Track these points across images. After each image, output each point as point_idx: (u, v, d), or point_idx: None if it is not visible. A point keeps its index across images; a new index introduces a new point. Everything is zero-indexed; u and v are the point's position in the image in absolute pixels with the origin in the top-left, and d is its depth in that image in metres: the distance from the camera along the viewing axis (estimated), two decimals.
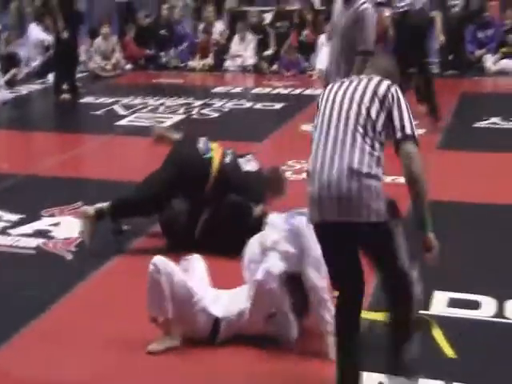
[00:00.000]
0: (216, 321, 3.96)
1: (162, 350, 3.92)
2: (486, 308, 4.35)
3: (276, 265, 3.92)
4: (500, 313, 4.29)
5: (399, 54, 8.43)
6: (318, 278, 3.86)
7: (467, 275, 4.75)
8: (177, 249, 5.06)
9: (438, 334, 4.00)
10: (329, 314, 3.78)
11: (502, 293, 4.48)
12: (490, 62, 11.96)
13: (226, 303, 4.05)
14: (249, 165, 5.40)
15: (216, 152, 5.35)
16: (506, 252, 5.12)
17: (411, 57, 8.55)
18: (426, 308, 4.32)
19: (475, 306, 4.37)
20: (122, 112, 9.81)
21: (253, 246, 4.15)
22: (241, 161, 5.40)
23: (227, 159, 5.33)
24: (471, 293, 4.50)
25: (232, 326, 3.98)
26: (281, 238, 4.01)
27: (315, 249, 3.75)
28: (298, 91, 10.96)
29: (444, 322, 4.13)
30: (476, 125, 8.55)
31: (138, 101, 10.42)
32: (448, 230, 5.46)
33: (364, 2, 5.62)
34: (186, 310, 3.93)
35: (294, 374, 3.74)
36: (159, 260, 4.00)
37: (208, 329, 3.96)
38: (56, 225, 5.79)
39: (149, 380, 3.72)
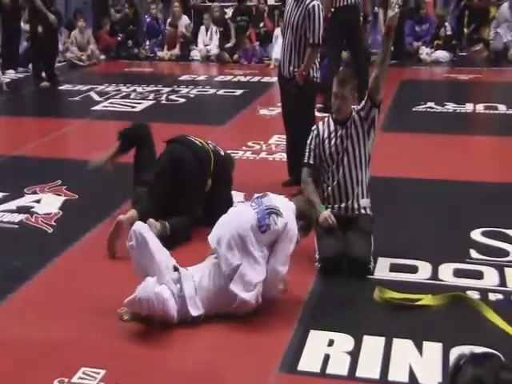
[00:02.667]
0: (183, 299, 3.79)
1: (129, 319, 3.79)
2: (423, 272, 4.39)
3: (257, 283, 3.78)
4: (435, 275, 4.33)
5: (333, 42, 8.32)
6: (284, 270, 3.82)
7: (406, 243, 4.79)
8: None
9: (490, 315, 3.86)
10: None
11: (436, 258, 4.52)
12: (425, 53, 12.03)
13: (197, 280, 3.87)
14: (220, 150, 5.33)
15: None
16: (439, 222, 5.17)
17: (351, 50, 8.55)
18: (371, 272, 4.35)
19: (413, 270, 4.41)
20: (97, 98, 9.68)
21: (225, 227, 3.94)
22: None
23: (211, 146, 5.24)
24: (410, 258, 4.53)
25: (203, 304, 3.82)
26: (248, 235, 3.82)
27: (286, 242, 3.75)
28: (256, 79, 10.90)
29: (387, 285, 4.16)
30: (414, 109, 8.60)
31: (111, 88, 10.29)
32: (389, 203, 5.52)
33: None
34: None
35: (254, 343, 3.73)
36: (140, 226, 3.92)
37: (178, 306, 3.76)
38: (37, 201, 5.70)
39: (121, 343, 3.69)
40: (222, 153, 5.28)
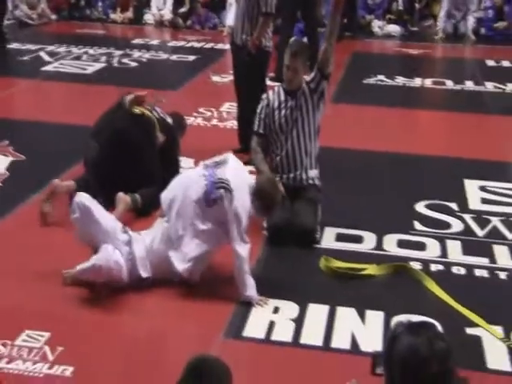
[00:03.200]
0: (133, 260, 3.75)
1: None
2: (368, 242, 4.43)
3: (194, 257, 3.72)
4: (379, 246, 4.38)
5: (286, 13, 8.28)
6: (245, 248, 3.68)
7: (352, 214, 4.82)
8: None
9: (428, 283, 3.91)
10: (245, 275, 3.66)
11: (381, 229, 4.57)
12: (377, 26, 12.06)
13: (148, 243, 3.82)
14: (167, 116, 5.21)
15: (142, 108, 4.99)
16: (385, 194, 5.22)
17: (305, 21, 8.49)
18: (318, 242, 4.37)
19: (359, 240, 4.45)
20: (47, 58, 9.41)
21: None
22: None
23: (155, 114, 5.06)
24: (355, 229, 4.57)
25: (152, 267, 3.79)
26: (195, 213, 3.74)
27: (241, 216, 3.65)
28: (209, 45, 10.75)
29: (333, 254, 4.19)
30: (365, 81, 8.62)
31: (62, 49, 10.01)
32: (337, 173, 5.54)
33: None
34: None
35: (201, 310, 3.72)
36: (82, 197, 3.84)
37: (127, 267, 3.72)
38: None
39: (65, 308, 3.64)
40: (169, 120, 5.16)
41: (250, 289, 3.66)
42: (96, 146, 4.80)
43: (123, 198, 4.52)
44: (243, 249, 3.67)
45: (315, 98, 4.54)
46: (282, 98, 4.58)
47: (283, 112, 4.55)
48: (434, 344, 1.82)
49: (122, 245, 3.74)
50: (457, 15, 11.59)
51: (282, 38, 8.05)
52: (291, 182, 4.57)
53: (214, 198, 3.69)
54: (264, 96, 4.70)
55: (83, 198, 3.83)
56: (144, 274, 3.76)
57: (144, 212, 4.59)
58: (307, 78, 4.57)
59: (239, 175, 3.81)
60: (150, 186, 4.66)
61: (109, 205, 4.32)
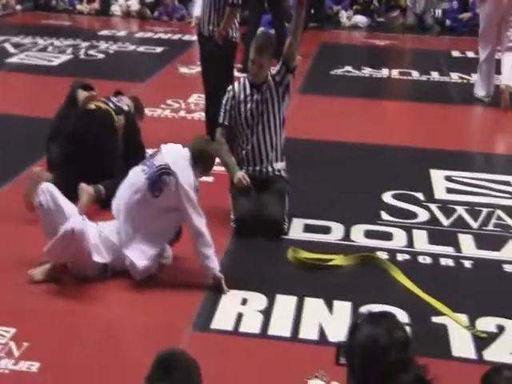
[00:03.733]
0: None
1: (41, 279, 3.69)
2: (335, 232, 4.44)
3: (154, 254, 3.74)
4: (347, 236, 4.39)
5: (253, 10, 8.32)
6: (202, 223, 3.69)
7: (320, 205, 4.82)
8: None
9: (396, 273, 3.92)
10: (211, 250, 3.67)
11: (349, 220, 4.58)
12: (345, 17, 12.06)
13: (105, 232, 3.81)
14: (124, 104, 5.15)
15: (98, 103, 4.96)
16: (352, 184, 5.23)
17: (272, 11, 8.47)
18: (286, 233, 4.37)
19: (326, 230, 4.45)
20: (12, 50, 9.24)
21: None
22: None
23: (111, 105, 5.02)
24: (323, 219, 4.57)
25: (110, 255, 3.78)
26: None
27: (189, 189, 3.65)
28: (177, 37, 10.67)
29: (300, 245, 4.19)
30: (332, 72, 8.62)
31: (27, 40, 9.84)
32: (304, 164, 5.54)
33: None
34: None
35: (169, 302, 3.70)
36: (48, 184, 3.81)
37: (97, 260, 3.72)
38: None
39: (31, 302, 3.58)
40: (126, 108, 5.10)
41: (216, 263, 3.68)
42: (56, 148, 4.83)
43: (86, 189, 4.46)
44: (201, 224, 3.69)
45: (280, 91, 4.53)
46: (248, 91, 4.55)
47: (249, 105, 4.53)
48: (392, 333, 1.86)
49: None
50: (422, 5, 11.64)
51: (249, 29, 8.02)
52: (257, 174, 4.56)
53: (159, 187, 3.70)
54: (230, 88, 4.66)
55: (49, 185, 3.82)
56: (98, 259, 3.73)
57: (108, 203, 4.53)
58: (273, 70, 4.56)
59: (174, 153, 3.82)
60: (113, 177, 4.61)
61: (74, 198, 4.27)
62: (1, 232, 4.31)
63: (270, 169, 4.57)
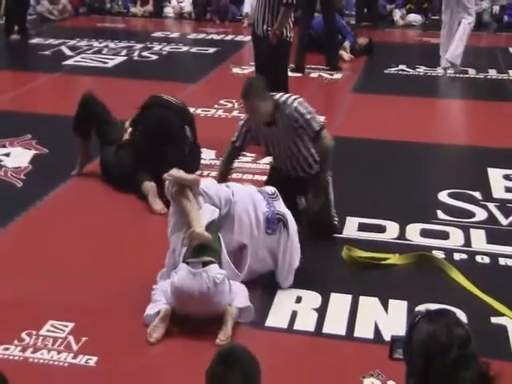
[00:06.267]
0: None
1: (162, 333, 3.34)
2: (390, 231, 4.40)
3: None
4: (402, 235, 4.35)
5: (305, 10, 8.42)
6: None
7: (375, 203, 4.78)
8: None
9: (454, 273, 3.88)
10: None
11: (404, 218, 4.53)
12: (398, 15, 11.95)
13: None
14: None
15: None
16: (408, 183, 5.18)
17: (324, 12, 8.47)
18: (340, 231, 4.35)
19: (381, 229, 4.42)
20: (68, 53, 9.45)
21: None
22: None
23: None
24: (378, 218, 4.54)
25: None
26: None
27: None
28: (229, 37, 10.74)
29: (355, 243, 4.17)
30: (386, 71, 8.55)
31: (83, 43, 10.05)
32: (359, 163, 5.51)
33: None
34: None
35: None
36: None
37: None
38: (7, 155, 5.58)
39: (88, 299, 3.66)
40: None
41: None
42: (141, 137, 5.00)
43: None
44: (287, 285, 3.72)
45: (295, 133, 4.19)
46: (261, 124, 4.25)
47: (265, 136, 4.29)
48: (452, 330, 1.84)
49: None
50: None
51: (300, 30, 8.04)
52: (293, 175, 4.35)
53: (274, 228, 3.66)
54: (246, 117, 4.34)
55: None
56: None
57: None
58: (297, 114, 4.14)
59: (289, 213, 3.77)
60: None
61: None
62: (58, 233, 4.41)
63: (303, 173, 4.34)
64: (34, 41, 10.27)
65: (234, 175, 4.85)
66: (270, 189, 3.83)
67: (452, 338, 1.83)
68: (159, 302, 3.39)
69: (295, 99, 4.18)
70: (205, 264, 3.36)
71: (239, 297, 3.44)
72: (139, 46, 9.88)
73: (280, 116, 4.16)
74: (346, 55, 9.02)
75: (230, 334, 3.27)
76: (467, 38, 8.27)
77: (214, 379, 1.99)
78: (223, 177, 4.31)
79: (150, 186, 4.74)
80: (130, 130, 5.10)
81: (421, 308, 2.55)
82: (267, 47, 5.58)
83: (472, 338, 1.88)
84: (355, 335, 3.36)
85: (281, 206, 3.76)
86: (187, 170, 3.77)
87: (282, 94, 4.30)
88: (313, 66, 8.62)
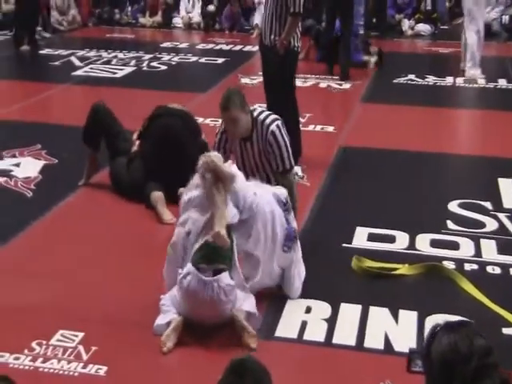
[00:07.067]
0: None
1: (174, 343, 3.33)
2: (400, 241, 4.39)
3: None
4: (412, 245, 4.34)
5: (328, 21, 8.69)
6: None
7: (384, 213, 4.78)
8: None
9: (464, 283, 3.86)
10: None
11: (414, 228, 4.53)
12: (406, 25, 11.99)
13: None
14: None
15: None
16: (417, 193, 5.18)
17: (342, 24, 8.56)
18: (349, 241, 4.35)
19: (391, 239, 4.41)
20: (77, 63, 9.52)
21: None
22: None
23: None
24: (388, 228, 4.53)
25: None
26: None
27: None
28: (238, 48, 10.79)
29: (364, 254, 4.16)
30: (395, 81, 8.57)
31: (92, 53, 10.12)
32: (368, 173, 5.51)
33: None
34: None
35: None
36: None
37: None
38: (17, 165, 5.61)
39: (98, 308, 3.67)
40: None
41: None
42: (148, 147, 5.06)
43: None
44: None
45: (264, 156, 4.20)
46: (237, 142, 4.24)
47: (239, 154, 4.26)
48: (473, 340, 1.82)
49: None
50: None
51: (325, 37, 9.00)
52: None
53: (290, 246, 3.67)
54: (222, 130, 4.28)
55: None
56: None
57: None
58: (272, 139, 4.11)
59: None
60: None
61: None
62: (65, 242, 4.43)
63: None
64: (44, 51, 10.35)
65: None
66: (284, 197, 3.75)
67: (473, 349, 1.82)
68: (169, 313, 3.40)
69: (273, 121, 4.15)
70: (215, 272, 3.37)
71: (245, 303, 3.45)
72: (148, 56, 9.94)
73: (256, 134, 4.16)
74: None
75: (255, 333, 3.30)
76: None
77: None
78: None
79: (158, 195, 4.77)
80: (137, 142, 5.13)
81: (439, 319, 2.53)
82: (274, 57, 5.61)
83: (493, 349, 1.88)
84: (365, 346, 3.35)
85: (293, 221, 3.75)
86: None
87: (261, 110, 4.30)
88: (321, 76, 8.66)
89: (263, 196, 3.66)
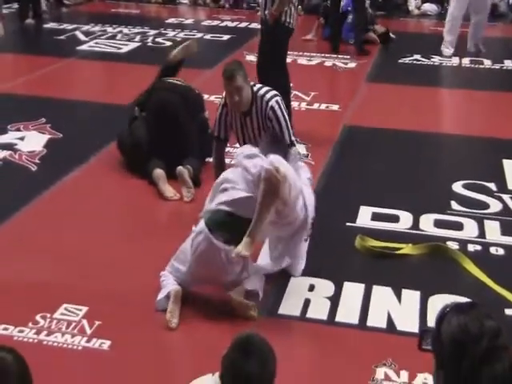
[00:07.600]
0: None
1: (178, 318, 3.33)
2: (404, 221, 4.38)
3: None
4: (416, 225, 4.33)
5: None
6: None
7: (388, 193, 4.77)
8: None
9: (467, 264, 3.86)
10: None
11: (418, 208, 4.51)
12: (413, 4, 11.86)
13: None
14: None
15: None
16: (422, 173, 5.15)
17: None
18: (353, 221, 4.34)
19: (395, 219, 4.40)
20: (82, 38, 9.45)
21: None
22: None
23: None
24: (392, 208, 4.52)
25: None
26: None
27: None
28: (243, 25, 10.70)
29: (368, 233, 4.15)
30: (400, 61, 8.49)
31: (97, 28, 10.04)
32: (372, 153, 5.48)
33: None
34: None
35: None
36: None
37: None
38: (21, 139, 5.59)
39: (101, 284, 3.67)
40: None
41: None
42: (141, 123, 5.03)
43: (182, 171, 4.65)
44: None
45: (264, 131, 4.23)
46: (237, 115, 4.28)
47: (239, 127, 4.32)
48: (483, 322, 1.82)
49: None
50: None
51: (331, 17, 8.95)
52: None
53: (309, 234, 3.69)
54: (223, 102, 4.34)
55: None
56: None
57: (196, 182, 4.72)
58: (272, 115, 4.17)
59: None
60: (189, 152, 4.90)
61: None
62: (70, 217, 4.42)
63: None
64: (48, 25, 10.27)
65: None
66: (308, 176, 3.75)
67: (483, 330, 1.81)
68: (168, 285, 3.42)
69: (273, 97, 4.18)
70: (226, 242, 3.35)
71: (249, 281, 3.47)
72: (153, 32, 9.86)
73: (255, 108, 4.18)
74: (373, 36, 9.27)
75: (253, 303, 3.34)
76: None
77: (230, 365, 2.00)
78: (220, 172, 4.15)
79: (159, 173, 4.74)
80: (136, 108, 5.12)
81: (442, 299, 2.52)
82: (266, 30, 5.61)
83: (502, 330, 1.87)
84: (368, 324, 3.35)
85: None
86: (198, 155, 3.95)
87: (260, 86, 4.32)
88: (327, 55, 8.60)
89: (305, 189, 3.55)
